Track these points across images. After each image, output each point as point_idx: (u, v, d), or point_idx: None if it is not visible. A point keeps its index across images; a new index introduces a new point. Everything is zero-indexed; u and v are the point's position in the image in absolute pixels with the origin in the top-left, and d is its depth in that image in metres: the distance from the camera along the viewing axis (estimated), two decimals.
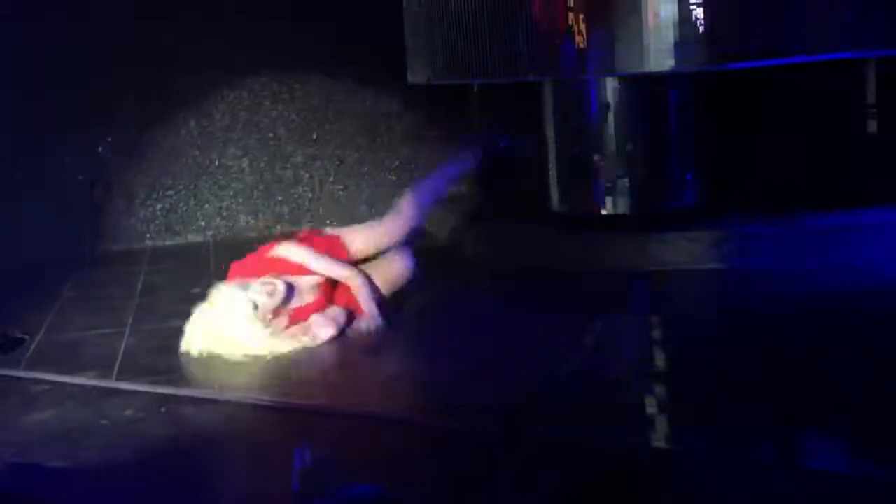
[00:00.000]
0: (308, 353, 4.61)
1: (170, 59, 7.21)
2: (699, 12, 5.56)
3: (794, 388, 3.81)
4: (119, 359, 4.73)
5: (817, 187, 6.31)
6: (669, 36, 5.60)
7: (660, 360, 4.23)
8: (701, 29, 5.57)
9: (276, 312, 4.64)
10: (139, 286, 6.15)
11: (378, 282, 5.03)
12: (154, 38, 7.16)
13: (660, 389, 3.90)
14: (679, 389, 3.92)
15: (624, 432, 3.51)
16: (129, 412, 4.08)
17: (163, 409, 4.09)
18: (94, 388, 4.39)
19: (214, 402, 4.13)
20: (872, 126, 6.44)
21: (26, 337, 5.06)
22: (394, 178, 7.65)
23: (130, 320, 5.38)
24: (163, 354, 4.75)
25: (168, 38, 7.19)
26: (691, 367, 4.16)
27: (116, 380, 4.46)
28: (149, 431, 3.88)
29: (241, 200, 7.52)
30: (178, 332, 5.06)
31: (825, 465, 3.21)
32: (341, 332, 4.75)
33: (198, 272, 6.43)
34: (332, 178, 7.59)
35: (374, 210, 7.61)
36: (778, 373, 3.99)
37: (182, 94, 7.33)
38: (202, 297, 5.73)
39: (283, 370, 4.44)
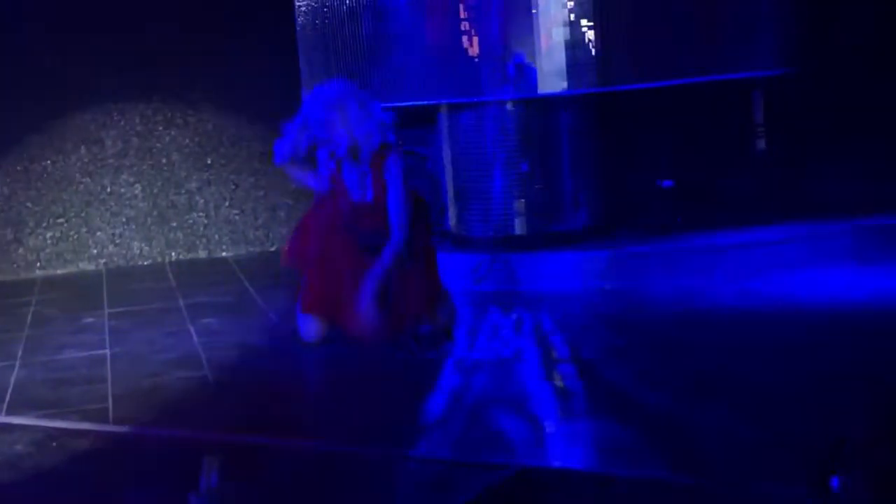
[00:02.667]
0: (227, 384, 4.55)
1: (59, 86, 7.08)
2: (591, 35, 5.64)
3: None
4: (9, 393, 4.59)
5: (706, 207, 6.44)
6: (562, 59, 5.68)
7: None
8: (593, 52, 5.65)
9: None
10: (29, 317, 6.00)
11: None
12: (43, 65, 7.03)
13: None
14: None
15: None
16: (19, 447, 3.96)
17: (54, 444, 3.97)
18: None
19: (106, 434, 4.03)
20: (762, 144, 6.59)
21: None
22: (290, 202, 7.59)
23: (20, 352, 5.24)
24: (55, 387, 4.63)
25: (58, 65, 7.07)
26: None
27: (6, 414, 4.33)
28: (39, 466, 3.77)
29: (133, 227, 7.40)
30: (71, 364, 4.97)
31: None
32: None
33: (90, 301, 6.31)
34: (227, 203, 7.52)
35: (270, 234, 7.56)
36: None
37: (72, 121, 7.20)
38: (95, 327, 5.66)
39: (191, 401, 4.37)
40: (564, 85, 5.72)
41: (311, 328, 4.98)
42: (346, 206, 4.88)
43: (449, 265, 6.03)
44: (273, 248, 7.46)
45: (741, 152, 6.65)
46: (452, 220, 6.33)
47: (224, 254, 7.53)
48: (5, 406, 4.42)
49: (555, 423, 3.82)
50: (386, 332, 4.81)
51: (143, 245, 7.41)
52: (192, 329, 5.51)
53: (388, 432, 3.87)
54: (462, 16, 5.80)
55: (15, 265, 7.15)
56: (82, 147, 7.27)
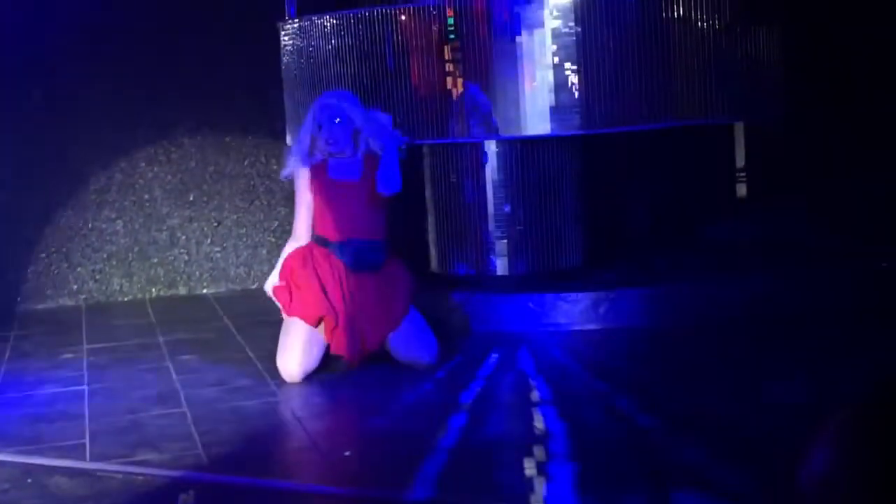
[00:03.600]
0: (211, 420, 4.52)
1: (42, 120, 7.07)
2: (574, 78, 5.69)
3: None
4: None
5: (691, 248, 6.48)
6: (545, 101, 5.72)
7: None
8: (576, 94, 5.70)
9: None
10: (7, 352, 5.97)
11: None
12: (26, 100, 7.02)
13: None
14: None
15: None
16: None
17: (29, 480, 3.94)
18: None
19: (83, 471, 4.00)
20: (742, 189, 6.64)
21: None
22: (272, 239, 7.59)
23: None
24: (32, 423, 4.60)
25: (40, 100, 7.06)
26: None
27: None
28: (15, 503, 3.74)
29: (114, 263, 7.37)
30: (48, 400, 4.94)
31: None
32: None
33: (69, 337, 6.27)
34: (209, 240, 7.51)
35: (252, 272, 7.55)
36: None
37: (54, 155, 7.18)
38: (73, 363, 5.62)
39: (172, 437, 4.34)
40: (548, 127, 5.75)
41: (294, 366, 4.99)
42: (327, 184, 5.25)
43: (431, 305, 6.05)
44: (254, 286, 7.44)
45: (722, 196, 6.71)
46: (434, 260, 6.34)
47: (205, 291, 7.51)
48: None
49: (532, 465, 3.81)
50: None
51: (123, 281, 7.38)
52: (171, 366, 5.48)
53: (368, 473, 3.86)
54: (447, 57, 5.83)
55: None
56: (64, 182, 7.24)
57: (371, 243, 5.23)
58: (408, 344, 5.18)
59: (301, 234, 5.31)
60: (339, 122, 5.22)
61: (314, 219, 5.29)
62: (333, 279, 5.12)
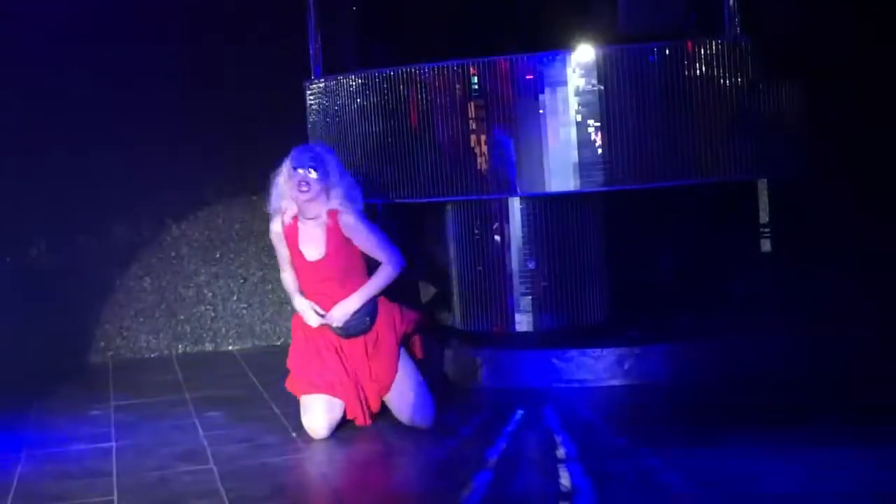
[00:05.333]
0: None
1: (69, 176, 7.16)
2: (597, 135, 5.73)
3: None
4: (13, 485, 4.59)
5: (713, 304, 6.48)
6: (569, 157, 5.76)
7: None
8: (600, 151, 5.74)
9: None
10: (35, 408, 6.00)
11: None
12: (50, 155, 7.11)
13: None
14: None
15: None
16: None
17: None
18: None
19: None
20: (767, 245, 6.64)
21: None
22: None
23: (26, 444, 5.24)
24: (59, 479, 4.63)
25: (64, 155, 7.15)
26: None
27: None
28: None
29: (141, 320, 7.43)
30: (76, 456, 4.97)
31: None
32: None
33: (96, 394, 6.31)
34: (235, 297, 7.55)
35: (277, 329, 7.59)
36: None
37: (81, 212, 7.26)
38: (101, 419, 5.65)
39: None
40: (571, 183, 5.79)
41: (318, 423, 5.03)
42: (299, 259, 5.23)
43: (453, 361, 6.07)
44: (279, 343, 7.48)
45: (746, 252, 6.70)
46: (458, 316, 6.36)
47: (230, 347, 7.55)
48: (10, 498, 4.42)
49: None
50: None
51: (150, 337, 7.43)
52: (198, 422, 5.51)
53: None
54: (470, 115, 5.89)
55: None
56: (92, 239, 7.32)
57: (353, 313, 5.17)
58: (400, 407, 5.19)
59: (287, 272, 5.40)
60: (315, 169, 5.12)
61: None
62: (329, 351, 5.19)
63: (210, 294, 7.53)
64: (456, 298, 6.36)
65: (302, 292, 5.30)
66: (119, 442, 5.21)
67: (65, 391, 6.46)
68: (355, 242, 5.19)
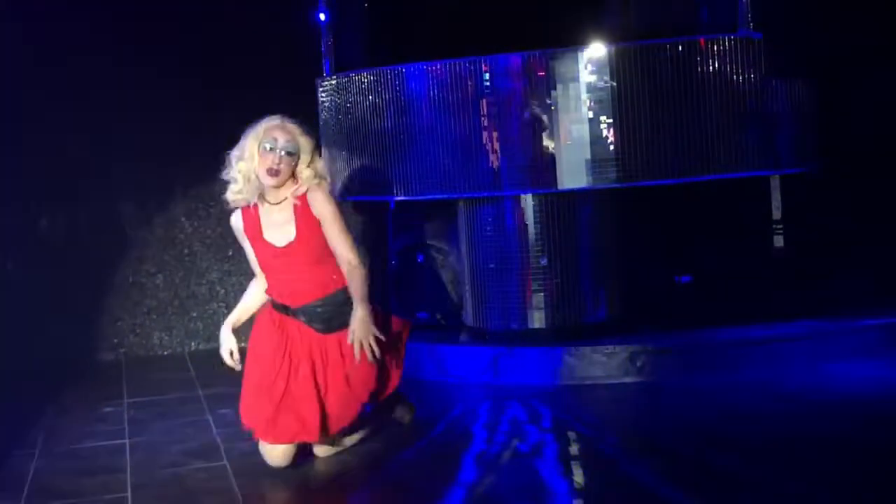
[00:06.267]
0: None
1: (81, 175, 7.18)
2: (610, 132, 5.73)
3: None
4: (28, 482, 4.60)
5: (727, 302, 6.46)
6: (581, 154, 5.76)
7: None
8: (612, 148, 5.73)
9: None
10: (49, 406, 6.02)
11: None
12: (66, 156, 7.13)
13: None
14: None
15: None
16: None
17: None
18: None
19: None
20: (780, 241, 6.62)
21: None
22: None
23: (39, 441, 5.26)
24: (73, 476, 4.64)
25: (81, 155, 7.17)
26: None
27: (25, 503, 4.34)
28: None
29: (154, 317, 7.44)
30: (90, 453, 4.99)
31: None
32: None
33: (109, 391, 6.33)
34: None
35: None
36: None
37: (94, 210, 7.28)
38: (114, 417, 5.67)
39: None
40: (584, 180, 5.79)
41: (275, 457, 4.59)
42: (264, 248, 4.66)
43: (466, 359, 6.07)
44: None
45: (758, 248, 6.69)
46: (470, 313, 6.36)
47: (243, 344, 7.53)
48: (24, 495, 4.43)
49: None
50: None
51: (163, 335, 7.45)
52: (211, 419, 5.52)
53: None
54: (483, 111, 5.89)
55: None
56: (105, 237, 7.34)
57: (324, 301, 4.63)
58: None
59: (258, 273, 4.85)
60: (290, 152, 4.58)
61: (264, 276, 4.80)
62: (291, 368, 4.61)
63: (223, 291, 7.54)
64: (468, 295, 6.36)
65: (278, 304, 4.71)
66: (132, 439, 5.23)
67: (78, 388, 6.48)
68: (321, 225, 4.60)
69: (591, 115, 5.74)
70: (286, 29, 7.36)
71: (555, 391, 5.64)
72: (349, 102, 6.41)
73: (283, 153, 4.57)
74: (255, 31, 7.41)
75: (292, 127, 4.69)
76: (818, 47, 6.08)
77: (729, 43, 5.76)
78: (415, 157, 6.07)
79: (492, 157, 5.92)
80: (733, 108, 5.83)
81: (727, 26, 5.88)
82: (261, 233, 4.66)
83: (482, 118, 5.90)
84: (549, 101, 5.78)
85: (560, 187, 5.86)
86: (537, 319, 6.09)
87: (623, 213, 6.30)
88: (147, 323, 7.45)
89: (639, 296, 6.42)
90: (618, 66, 5.73)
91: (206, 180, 7.46)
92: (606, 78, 5.74)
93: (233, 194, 4.67)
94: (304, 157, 4.63)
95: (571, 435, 4.84)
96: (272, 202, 4.64)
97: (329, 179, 4.96)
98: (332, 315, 4.63)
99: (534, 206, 6.04)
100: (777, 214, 6.68)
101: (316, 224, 4.60)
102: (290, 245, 4.61)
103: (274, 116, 4.72)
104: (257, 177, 4.59)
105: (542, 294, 6.07)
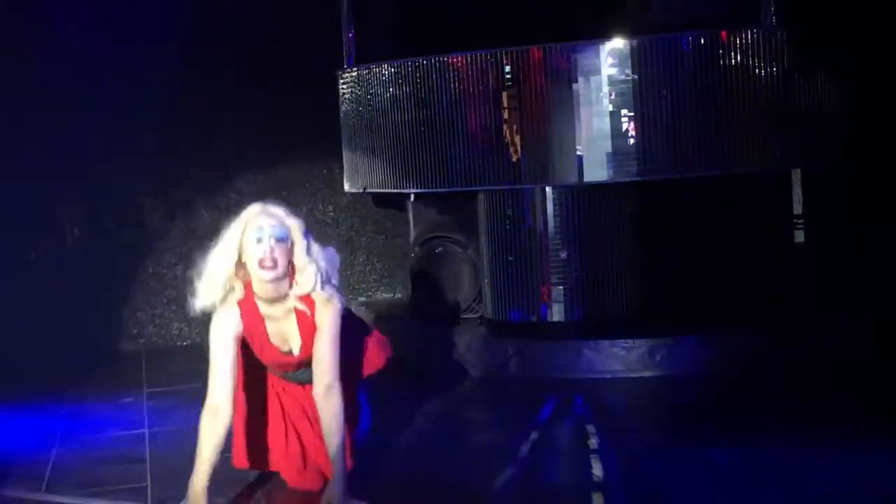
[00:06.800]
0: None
1: (101, 166, 7.19)
2: (631, 125, 5.71)
3: None
4: (48, 471, 4.62)
5: (745, 295, 6.44)
6: (603, 148, 5.74)
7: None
8: (633, 141, 5.72)
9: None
10: (69, 396, 6.04)
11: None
12: (83, 143, 7.15)
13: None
14: None
15: None
16: None
17: None
18: (22, 501, 4.28)
19: None
20: (800, 237, 6.59)
21: None
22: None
23: (60, 431, 5.28)
24: (94, 465, 4.66)
25: (102, 147, 7.18)
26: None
27: (46, 492, 4.36)
28: None
29: (174, 308, 7.46)
30: (110, 442, 5.01)
31: None
32: None
33: (129, 381, 6.35)
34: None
35: None
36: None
37: (115, 200, 7.30)
38: (134, 406, 5.69)
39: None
40: (604, 174, 5.77)
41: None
42: (274, 358, 4.12)
43: (485, 351, 6.06)
44: None
45: (779, 244, 6.66)
46: (489, 305, 6.35)
47: None
48: (45, 484, 4.45)
49: None
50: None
51: (182, 325, 7.47)
52: None
53: None
54: (504, 104, 5.88)
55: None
56: (125, 228, 7.36)
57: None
58: None
59: (221, 403, 4.00)
60: (278, 237, 3.93)
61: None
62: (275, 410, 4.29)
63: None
64: (487, 288, 6.35)
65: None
66: (152, 428, 5.24)
67: (98, 378, 6.51)
68: (317, 334, 3.99)
69: (612, 108, 5.72)
70: (307, 20, 7.37)
71: (574, 385, 5.63)
72: (370, 94, 6.41)
73: (272, 241, 3.91)
74: (279, 22, 7.41)
75: (276, 210, 4.01)
76: (842, 41, 6.04)
77: (752, 36, 5.73)
78: (435, 149, 6.06)
79: (512, 150, 5.91)
80: (755, 102, 5.80)
81: (750, 19, 5.84)
82: (266, 336, 4.08)
83: (503, 111, 5.89)
84: (570, 94, 5.76)
85: (581, 180, 5.84)
86: (556, 312, 6.07)
87: (643, 206, 6.28)
88: (167, 313, 7.47)
89: (658, 290, 6.39)
90: (639, 59, 5.71)
91: (226, 172, 7.50)
92: (628, 71, 5.72)
93: (207, 297, 4.02)
94: (298, 243, 3.97)
95: (590, 428, 4.83)
96: (270, 299, 4.00)
97: (337, 269, 4.30)
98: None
99: (554, 199, 6.02)
100: (798, 209, 6.65)
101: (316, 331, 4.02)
102: (297, 355, 4.10)
103: (253, 204, 4.06)
104: (241, 277, 3.99)
105: (561, 287, 6.06)
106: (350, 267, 7.75)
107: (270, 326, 4.05)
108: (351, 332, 4.21)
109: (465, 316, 6.65)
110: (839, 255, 6.50)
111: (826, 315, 6.09)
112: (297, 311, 4.00)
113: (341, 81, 6.74)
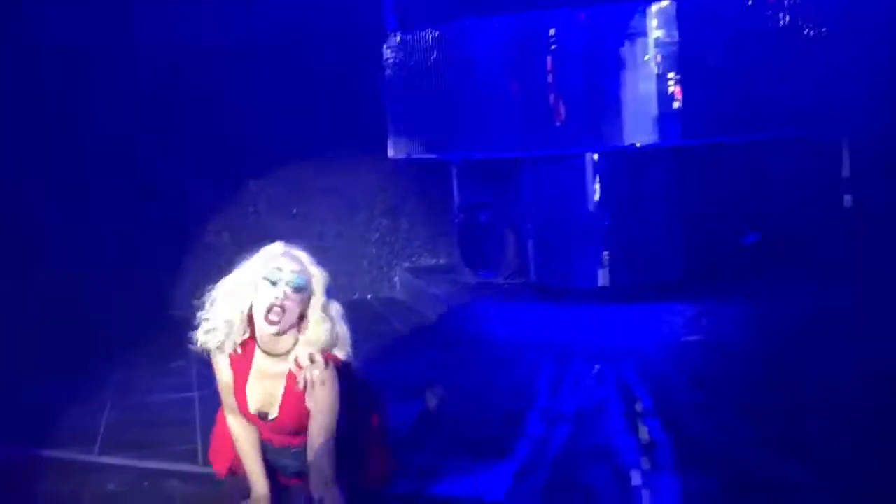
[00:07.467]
0: None
1: (150, 133, 7.23)
2: (677, 88, 5.66)
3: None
4: (101, 433, 4.69)
5: (792, 261, 6.39)
6: (648, 112, 5.70)
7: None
8: (679, 104, 5.67)
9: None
10: (120, 361, 6.11)
11: None
12: (133, 115, 7.18)
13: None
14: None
15: None
16: (111, 486, 4.05)
17: (146, 484, 4.06)
18: (75, 462, 4.35)
19: (196, 474, 4.10)
20: (848, 201, 6.53)
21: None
22: (374, 251, 7.70)
23: (111, 395, 5.35)
24: (145, 428, 4.72)
25: (147, 114, 7.22)
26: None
27: (99, 454, 4.42)
28: None
29: (221, 275, 7.47)
30: (160, 406, 5.07)
31: None
32: None
33: (177, 347, 6.38)
34: (311, 252, 7.58)
35: (354, 283, 7.65)
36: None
37: (164, 170, 7.33)
38: (183, 371, 5.75)
39: None
40: (650, 137, 5.74)
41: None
42: (247, 414, 3.64)
43: (530, 316, 6.07)
44: (355, 297, 7.55)
45: (827, 207, 6.60)
46: (534, 270, 6.35)
47: None
48: (97, 446, 4.52)
49: (637, 475, 3.82)
50: None
51: None
52: None
53: (468, 478, 3.88)
54: (548, 68, 5.85)
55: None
56: (173, 196, 7.40)
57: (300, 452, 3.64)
58: None
59: (240, 424, 3.71)
60: (297, 286, 3.56)
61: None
62: None
63: None
64: (532, 254, 6.35)
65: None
66: (201, 392, 5.29)
67: (149, 343, 6.56)
68: (309, 398, 3.50)
69: (657, 70, 5.68)
70: None
71: (620, 349, 5.62)
72: (413, 60, 6.40)
73: (289, 288, 3.53)
74: None
75: (301, 254, 3.64)
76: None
77: None
78: (479, 114, 6.05)
79: (556, 115, 5.88)
80: (804, 64, 5.73)
81: None
82: (243, 382, 3.63)
83: (547, 75, 5.86)
84: (615, 57, 5.73)
85: (625, 144, 5.81)
86: (602, 277, 6.06)
87: (689, 170, 6.24)
88: (214, 280, 7.49)
89: (705, 254, 6.37)
90: (686, 22, 5.65)
91: (272, 140, 7.51)
92: (675, 33, 5.66)
93: (203, 334, 3.67)
94: (318, 298, 3.58)
95: (636, 392, 4.84)
96: (271, 351, 3.59)
97: (349, 342, 3.69)
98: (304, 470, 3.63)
99: (598, 163, 6.00)
100: (846, 173, 6.58)
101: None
102: (269, 423, 3.62)
103: (277, 243, 3.71)
104: (247, 320, 3.60)
105: (606, 252, 6.04)
106: (394, 233, 7.77)
107: (254, 380, 3.58)
108: (361, 411, 3.69)
109: (509, 281, 6.66)
110: (888, 219, 6.44)
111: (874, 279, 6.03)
112: (289, 374, 3.53)
113: (385, 47, 6.73)
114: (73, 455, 4.43)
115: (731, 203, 6.65)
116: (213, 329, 3.61)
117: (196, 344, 3.67)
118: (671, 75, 5.66)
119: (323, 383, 3.48)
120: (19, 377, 5.56)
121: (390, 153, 7.03)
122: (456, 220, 7.00)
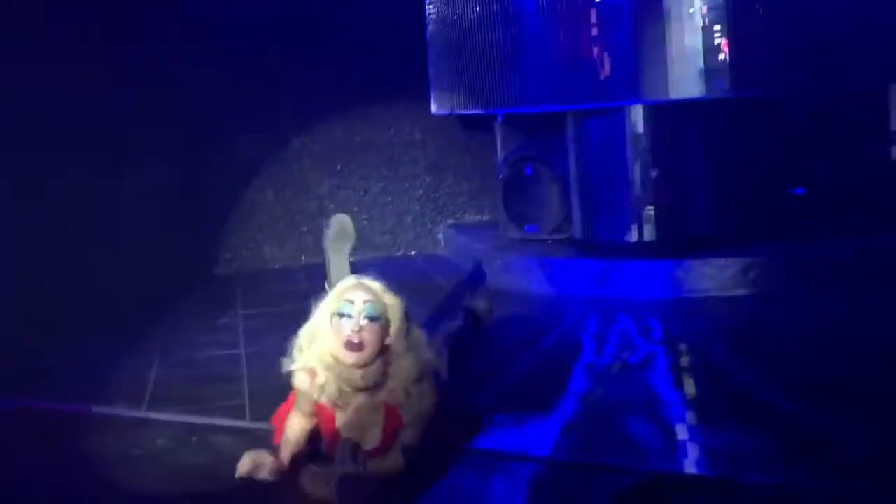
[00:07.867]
0: None
1: (192, 92, 7.24)
2: (723, 41, 5.59)
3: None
4: (149, 389, 4.75)
5: (840, 215, 6.32)
6: (694, 64, 5.64)
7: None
8: (725, 57, 5.60)
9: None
10: (167, 318, 6.17)
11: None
12: (162, 74, 7.17)
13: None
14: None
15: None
16: (160, 441, 4.10)
17: (194, 439, 4.10)
18: (124, 418, 4.41)
19: (244, 430, 4.14)
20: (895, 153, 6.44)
21: None
22: (417, 207, 7.69)
23: (158, 351, 5.40)
24: (192, 384, 4.78)
25: (186, 74, 7.22)
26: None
27: (147, 410, 4.48)
28: (181, 461, 3.90)
29: (265, 232, 7.55)
30: (207, 362, 5.12)
31: None
32: None
33: (224, 303, 6.46)
34: (356, 209, 7.61)
35: (397, 239, 7.66)
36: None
37: (206, 129, 7.35)
38: (229, 328, 5.80)
39: None
40: (696, 90, 5.67)
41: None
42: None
43: (575, 271, 6.05)
44: (399, 253, 7.57)
45: (875, 159, 6.52)
46: (579, 225, 6.33)
47: (351, 259, 7.62)
48: (146, 402, 4.58)
49: (683, 430, 3.81)
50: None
51: (274, 249, 7.56)
52: None
53: (506, 428, 3.89)
54: (592, 21, 5.79)
55: None
56: (216, 154, 7.42)
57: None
58: None
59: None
60: (371, 315, 3.49)
61: None
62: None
63: (331, 206, 7.59)
64: (577, 208, 6.32)
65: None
66: (248, 349, 5.34)
67: (195, 301, 6.62)
68: (406, 413, 3.53)
69: (704, 22, 5.61)
70: None
71: (665, 304, 5.61)
72: (456, 14, 6.36)
73: (363, 318, 3.46)
74: None
75: (374, 284, 3.55)
76: None
77: None
78: (523, 68, 6.01)
79: (601, 68, 5.83)
80: (851, 17, 5.64)
81: None
82: (331, 424, 3.58)
83: (591, 27, 5.80)
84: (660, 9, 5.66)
85: (671, 97, 5.75)
86: (647, 232, 6.03)
87: (735, 123, 6.16)
88: (259, 237, 7.56)
89: (751, 207, 6.30)
90: None
91: (313, 96, 7.51)
92: None
93: (302, 383, 3.62)
94: (396, 325, 3.52)
95: (682, 346, 4.82)
96: (355, 386, 3.51)
97: (443, 364, 3.76)
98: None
99: (644, 116, 5.94)
100: (894, 125, 6.48)
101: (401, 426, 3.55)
102: (368, 450, 3.55)
103: (349, 277, 3.66)
104: (336, 360, 3.50)
105: (652, 206, 6.00)
106: (438, 189, 7.77)
107: (341, 417, 3.54)
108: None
109: (553, 237, 6.64)
110: None
111: None
112: (385, 408, 3.51)
113: (427, 2, 6.69)
114: (122, 411, 4.49)
115: (777, 156, 6.56)
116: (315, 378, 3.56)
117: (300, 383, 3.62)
118: (718, 27, 5.59)
119: (423, 397, 3.56)
120: (69, 336, 5.64)
121: (433, 109, 7.00)
122: (499, 176, 6.97)
